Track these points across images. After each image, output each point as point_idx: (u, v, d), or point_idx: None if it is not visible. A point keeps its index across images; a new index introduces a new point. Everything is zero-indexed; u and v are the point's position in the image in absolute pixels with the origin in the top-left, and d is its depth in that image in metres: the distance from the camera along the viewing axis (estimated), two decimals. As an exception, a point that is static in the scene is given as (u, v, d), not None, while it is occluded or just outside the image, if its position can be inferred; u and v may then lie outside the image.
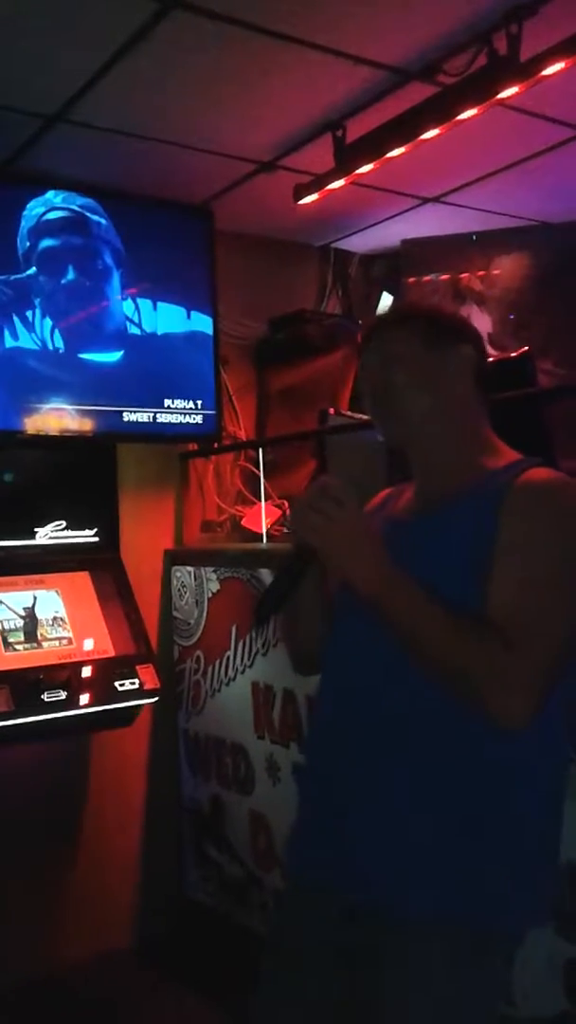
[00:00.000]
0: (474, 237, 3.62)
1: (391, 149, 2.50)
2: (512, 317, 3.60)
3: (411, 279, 3.73)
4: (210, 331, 3.17)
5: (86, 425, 2.94)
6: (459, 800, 1.35)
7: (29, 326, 2.85)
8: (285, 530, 1.39)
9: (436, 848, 1.34)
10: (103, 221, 2.96)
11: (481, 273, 3.69)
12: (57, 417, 2.88)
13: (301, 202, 2.84)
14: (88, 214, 2.94)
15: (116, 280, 3.01)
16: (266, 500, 3.19)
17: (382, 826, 1.37)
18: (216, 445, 3.32)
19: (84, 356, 2.95)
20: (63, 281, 2.91)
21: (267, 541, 3.15)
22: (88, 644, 2.86)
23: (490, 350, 3.57)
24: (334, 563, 1.35)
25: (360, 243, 3.73)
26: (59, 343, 2.90)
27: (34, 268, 2.85)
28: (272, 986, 1.51)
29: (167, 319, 3.09)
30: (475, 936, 1.35)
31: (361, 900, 1.40)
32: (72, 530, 3.03)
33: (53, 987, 2.88)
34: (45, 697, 2.65)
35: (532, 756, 1.37)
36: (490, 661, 1.26)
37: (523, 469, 1.40)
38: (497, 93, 2.21)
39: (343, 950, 1.43)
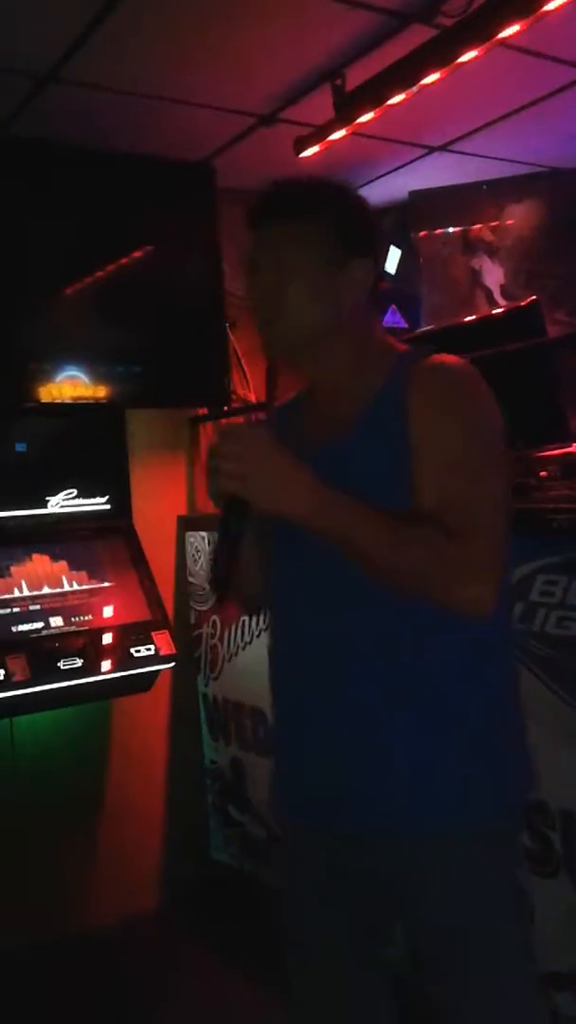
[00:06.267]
0: (484, 187, 3.53)
1: (392, 96, 2.43)
2: (525, 266, 3.53)
3: (421, 232, 3.66)
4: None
5: (98, 392, 2.93)
6: (429, 704, 1.33)
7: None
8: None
9: (421, 759, 1.32)
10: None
11: (493, 224, 3.61)
12: (68, 385, 2.87)
13: (303, 155, 2.78)
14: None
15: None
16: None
17: (362, 752, 1.35)
18: (226, 408, 3.29)
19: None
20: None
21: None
22: (103, 612, 2.87)
23: (500, 300, 3.52)
24: (263, 503, 1.25)
25: (367, 196, 3.61)
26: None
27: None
28: (298, 935, 1.50)
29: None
30: (483, 827, 1.34)
31: (359, 828, 1.38)
32: (84, 498, 3.02)
33: (82, 947, 2.93)
34: (61, 665, 2.67)
35: (489, 639, 1.36)
36: (441, 556, 1.23)
37: (417, 357, 1.37)
38: (498, 32, 2.14)
39: (352, 872, 1.41)
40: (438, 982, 1.40)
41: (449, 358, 1.37)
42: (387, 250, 1.17)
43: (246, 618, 2.97)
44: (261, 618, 2.91)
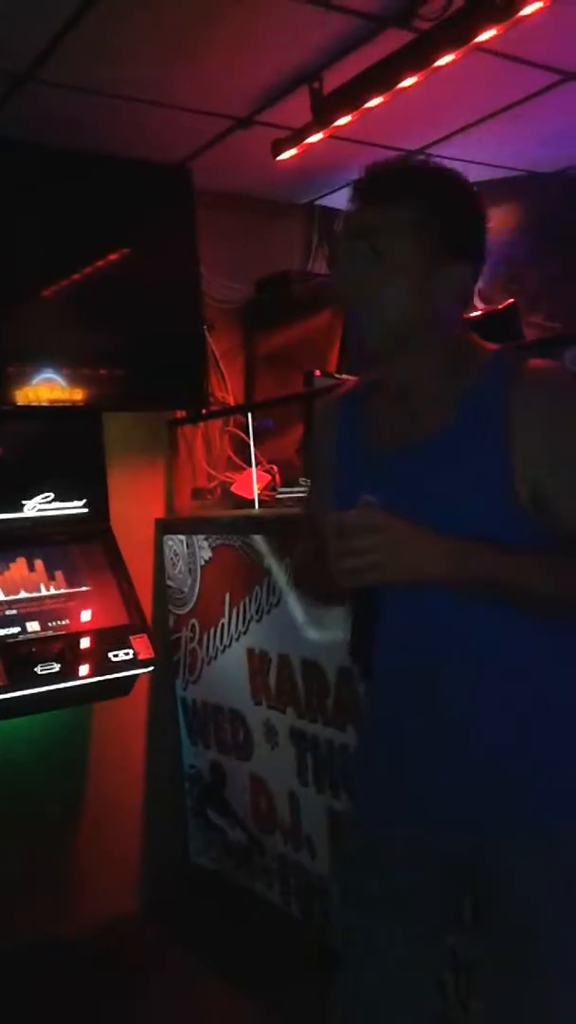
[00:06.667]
0: (461, 190, 3.54)
1: (369, 99, 2.43)
2: (502, 270, 3.54)
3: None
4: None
5: (75, 395, 2.91)
6: (532, 703, 1.31)
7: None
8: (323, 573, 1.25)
9: (523, 756, 1.31)
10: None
11: (470, 227, 3.62)
12: (45, 388, 2.85)
13: (280, 158, 2.78)
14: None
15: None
16: (256, 465, 3.16)
17: (463, 748, 1.33)
18: (204, 411, 3.28)
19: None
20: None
21: (258, 507, 3.13)
22: (80, 616, 2.85)
23: (478, 304, 3.53)
24: (405, 580, 1.22)
25: (345, 200, 3.64)
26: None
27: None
28: (363, 936, 1.45)
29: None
30: None
31: (457, 823, 1.35)
32: (61, 502, 3.00)
33: (62, 951, 2.91)
34: (39, 670, 2.65)
35: None
36: None
37: (519, 360, 1.31)
38: (475, 36, 2.14)
39: (449, 867, 1.38)
40: (505, 984, 1.35)
41: (555, 365, 1.32)
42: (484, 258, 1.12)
43: (225, 622, 2.97)
44: (238, 624, 2.91)
